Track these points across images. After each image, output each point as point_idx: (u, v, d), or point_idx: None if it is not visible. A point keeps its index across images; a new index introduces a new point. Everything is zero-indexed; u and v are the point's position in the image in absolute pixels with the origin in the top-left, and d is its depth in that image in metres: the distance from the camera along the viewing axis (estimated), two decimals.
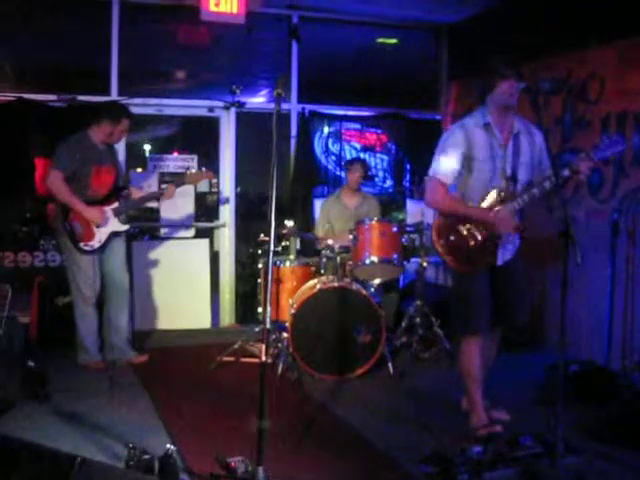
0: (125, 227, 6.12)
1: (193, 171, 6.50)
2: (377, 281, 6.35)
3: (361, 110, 8.60)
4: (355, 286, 5.96)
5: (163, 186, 6.32)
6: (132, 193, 6.25)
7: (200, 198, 8.21)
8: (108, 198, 6.00)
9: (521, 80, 4.27)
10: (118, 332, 6.17)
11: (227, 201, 8.02)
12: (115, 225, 6.02)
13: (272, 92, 4.33)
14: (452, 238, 4.44)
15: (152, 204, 7.59)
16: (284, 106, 7.63)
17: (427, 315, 6.54)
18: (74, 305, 6.06)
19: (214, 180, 8.20)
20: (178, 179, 6.48)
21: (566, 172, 4.20)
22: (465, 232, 4.41)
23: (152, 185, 7.46)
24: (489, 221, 4.34)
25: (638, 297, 5.61)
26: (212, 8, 7.10)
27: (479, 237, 4.39)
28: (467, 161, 4.37)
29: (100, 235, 5.94)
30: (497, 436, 4.25)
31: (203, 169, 6.51)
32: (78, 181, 5.87)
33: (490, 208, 4.37)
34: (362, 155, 8.57)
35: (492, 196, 4.38)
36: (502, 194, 4.36)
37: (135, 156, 8.14)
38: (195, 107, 8.07)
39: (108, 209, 5.97)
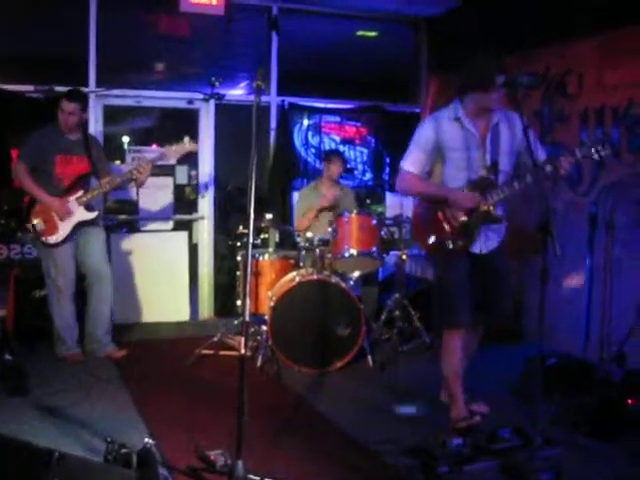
0: (92, 215, 6.01)
1: (173, 145, 6.08)
2: (356, 274, 6.36)
3: (341, 103, 8.59)
4: (334, 279, 5.96)
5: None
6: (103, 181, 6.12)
7: (179, 190, 8.17)
8: (72, 187, 5.94)
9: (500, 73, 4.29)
10: (99, 323, 6.13)
11: (206, 193, 8.00)
12: (81, 214, 5.95)
13: (252, 84, 4.31)
14: (430, 224, 4.47)
15: (132, 196, 7.54)
16: (264, 98, 7.60)
17: (406, 308, 6.55)
18: (49, 297, 6.04)
19: (193, 172, 8.16)
20: (153, 158, 6.27)
21: (548, 168, 4.22)
22: (441, 217, 4.42)
23: None
24: (447, 199, 4.37)
25: (616, 289, 5.65)
26: None
27: (455, 224, 4.40)
28: (439, 151, 4.44)
29: (64, 227, 5.89)
30: (476, 428, 4.27)
31: (186, 139, 6.16)
32: (43, 171, 5.88)
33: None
34: (341, 148, 8.58)
35: (471, 185, 4.39)
36: (480, 184, 4.37)
37: (113, 148, 8.08)
38: (174, 99, 8.03)
39: (72, 199, 5.91)
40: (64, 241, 5.91)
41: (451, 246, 4.41)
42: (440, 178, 4.52)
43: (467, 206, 4.34)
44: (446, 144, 4.40)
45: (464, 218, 4.38)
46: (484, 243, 4.49)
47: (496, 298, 4.60)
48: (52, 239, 5.88)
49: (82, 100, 6.03)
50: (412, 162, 4.48)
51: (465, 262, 4.48)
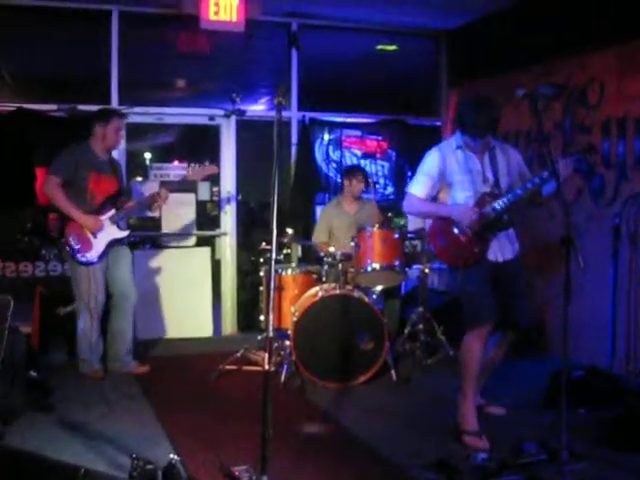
0: (124, 233, 6.09)
1: (196, 166, 6.39)
2: (379, 288, 6.35)
3: (361, 117, 8.60)
4: (357, 293, 5.95)
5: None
6: (128, 202, 6.22)
7: (201, 206, 8.21)
8: (104, 206, 5.99)
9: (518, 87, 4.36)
10: (120, 342, 6.16)
11: (228, 209, 8.03)
12: (113, 233, 6.00)
13: (272, 100, 4.34)
14: (445, 238, 4.67)
15: (155, 213, 7.59)
16: (284, 114, 7.57)
17: (430, 321, 6.53)
18: (77, 314, 6.05)
19: (215, 188, 8.21)
20: (173, 184, 6.50)
21: (545, 174, 4.38)
22: (456, 230, 4.59)
23: None
24: (451, 215, 4.60)
25: None
26: (211, 17, 7.11)
27: (469, 232, 4.55)
28: (445, 177, 4.69)
29: (98, 245, 5.92)
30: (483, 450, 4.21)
31: (206, 163, 6.41)
32: (76, 187, 5.89)
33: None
34: (362, 162, 8.58)
35: (480, 200, 4.56)
36: (486, 197, 4.55)
37: (136, 165, 8.15)
38: (195, 115, 8.09)
39: (104, 217, 5.96)
40: (98, 259, 5.94)
41: (471, 254, 4.57)
42: (448, 202, 4.74)
43: (471, 219, 4.50)
44: (452, 170, 4.66)
45: (477, 227, 4.52)
46: (499, 251, 4.65)
47: (515, 307, 4.69)
48: (87, 257, 5.90)
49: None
50: (418, 187, 4.76)
51: (486, 267, 4.60)
